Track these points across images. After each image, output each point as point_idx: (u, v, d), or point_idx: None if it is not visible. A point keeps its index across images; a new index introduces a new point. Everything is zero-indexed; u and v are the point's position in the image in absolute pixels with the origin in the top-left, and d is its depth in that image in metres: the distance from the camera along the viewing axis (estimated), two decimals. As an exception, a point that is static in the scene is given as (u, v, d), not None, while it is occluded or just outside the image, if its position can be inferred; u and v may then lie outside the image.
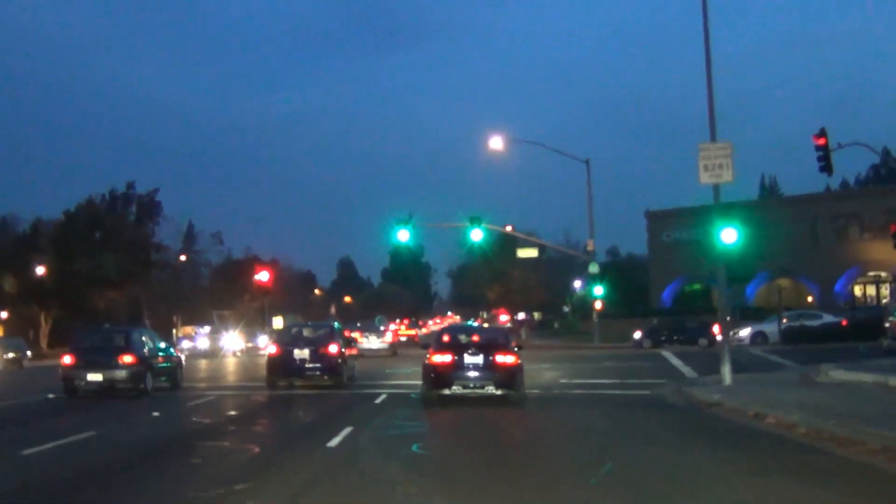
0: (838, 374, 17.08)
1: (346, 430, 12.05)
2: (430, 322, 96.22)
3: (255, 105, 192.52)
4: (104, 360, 18.87)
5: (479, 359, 15.40)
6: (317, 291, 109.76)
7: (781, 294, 37.12)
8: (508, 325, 72.07)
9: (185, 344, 45.96)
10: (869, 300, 57.79)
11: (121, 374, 18.78)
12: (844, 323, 37.25)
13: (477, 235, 42.44)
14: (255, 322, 74.43)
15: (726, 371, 17.24)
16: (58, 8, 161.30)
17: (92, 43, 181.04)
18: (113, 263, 52.17)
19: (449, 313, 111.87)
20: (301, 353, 19.79)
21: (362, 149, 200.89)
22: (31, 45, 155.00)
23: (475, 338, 16.80)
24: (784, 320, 36.90)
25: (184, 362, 23.62)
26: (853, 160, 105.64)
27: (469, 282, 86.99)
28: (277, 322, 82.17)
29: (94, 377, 18.74)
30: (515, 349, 16.29)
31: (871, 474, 8.54)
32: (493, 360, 15.37)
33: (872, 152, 36.01)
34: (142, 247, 56.47)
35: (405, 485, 8.30)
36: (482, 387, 15.44)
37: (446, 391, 15.59)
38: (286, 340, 20.98)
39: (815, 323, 37.71)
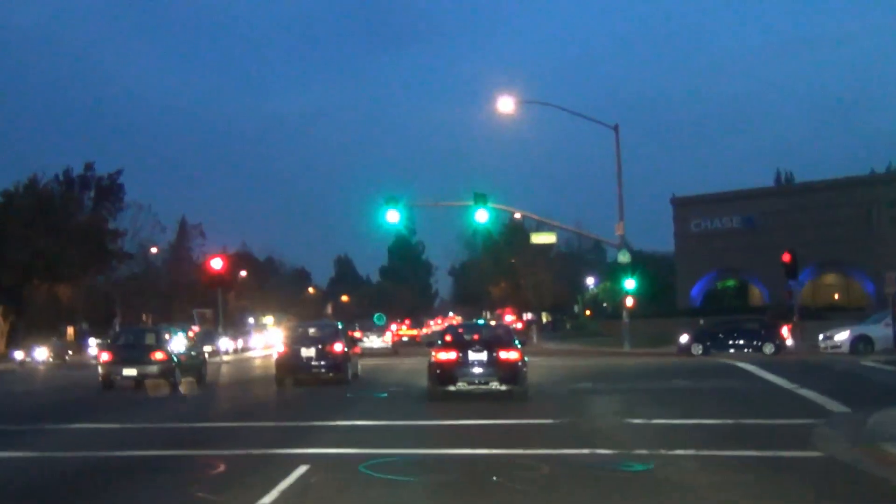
0: None
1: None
2: (431, 322, 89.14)
3: (255, 104, 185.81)
4: (138, 357, 20.78)
5: (484, 355, 15.65)
6: (310, 290, 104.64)
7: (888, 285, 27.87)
8: (517, 325, 64.63)
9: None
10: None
11: (152, 369, 20.53)
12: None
13: (482, 217, 34.93)
14: (238, 321, 68.69)
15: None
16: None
17: (92, 43, 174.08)
18: (57, 252, 44.40)
19: (451, 314, 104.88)
20: (308, 352, 20.86)
21: (364, 147, 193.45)
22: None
23: (479, 335, 17.34)
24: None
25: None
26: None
27: (473, 278, 79.44)
28: (268, 321, 78.74)
29: (129, 372, 20.68)
30: (518, 345, 16.32)
31: None
32: (497, 356, 15.58)
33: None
34: (95, 234, 48.33)
35: None
36: (486, 383, 15.67)
37: (451, 388, 15.79)
38: (293, 340, 21.63)
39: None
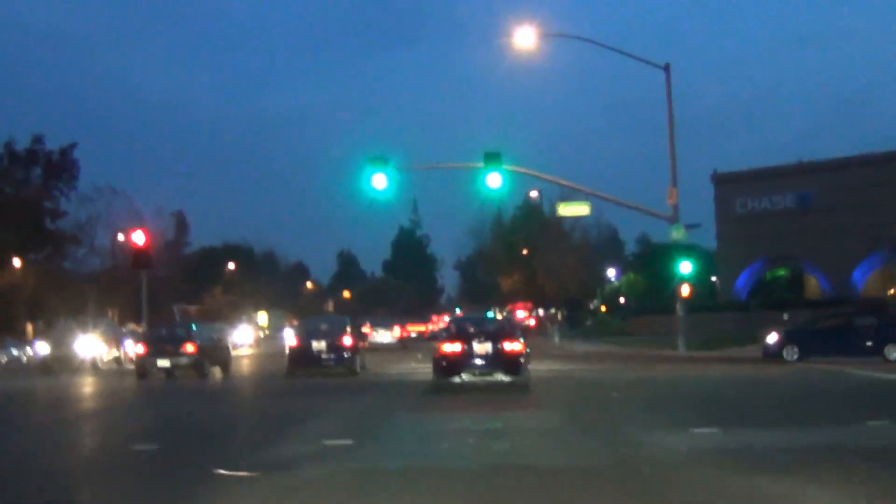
0: None
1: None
2: (437, 318, 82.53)
3: (254, 103, 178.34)
4: (171, 349, 22.26)
5: (488, 347, 15.87)
6: (309, 284, 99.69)
7: None
8: (528, 322, 56.54)
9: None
10: None
11: (184, 360, 22.17)
12: None
13: (495, 181, 27.23)
14: (231, 318, 62.15)
15: None
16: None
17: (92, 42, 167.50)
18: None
19: (458, 310, 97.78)
20: (318, 345, 21.53)
21: (366, 146, 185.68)
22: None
23: (483, 327, 17.56)
24: None
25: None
26: None
27: (481, 270, 71.47)
28: (262, 318, 73.62)
29: (163, 363, 22.13)
30: (521, 338, 16.37)
31: None
32: (501, 347, 15.84)
33: None
34: (30, 212, 40.44)
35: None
36: (490, 374, 16.03)
37: (456, 379, 16.19)
38: (305, 334, 22.31)
39: None
